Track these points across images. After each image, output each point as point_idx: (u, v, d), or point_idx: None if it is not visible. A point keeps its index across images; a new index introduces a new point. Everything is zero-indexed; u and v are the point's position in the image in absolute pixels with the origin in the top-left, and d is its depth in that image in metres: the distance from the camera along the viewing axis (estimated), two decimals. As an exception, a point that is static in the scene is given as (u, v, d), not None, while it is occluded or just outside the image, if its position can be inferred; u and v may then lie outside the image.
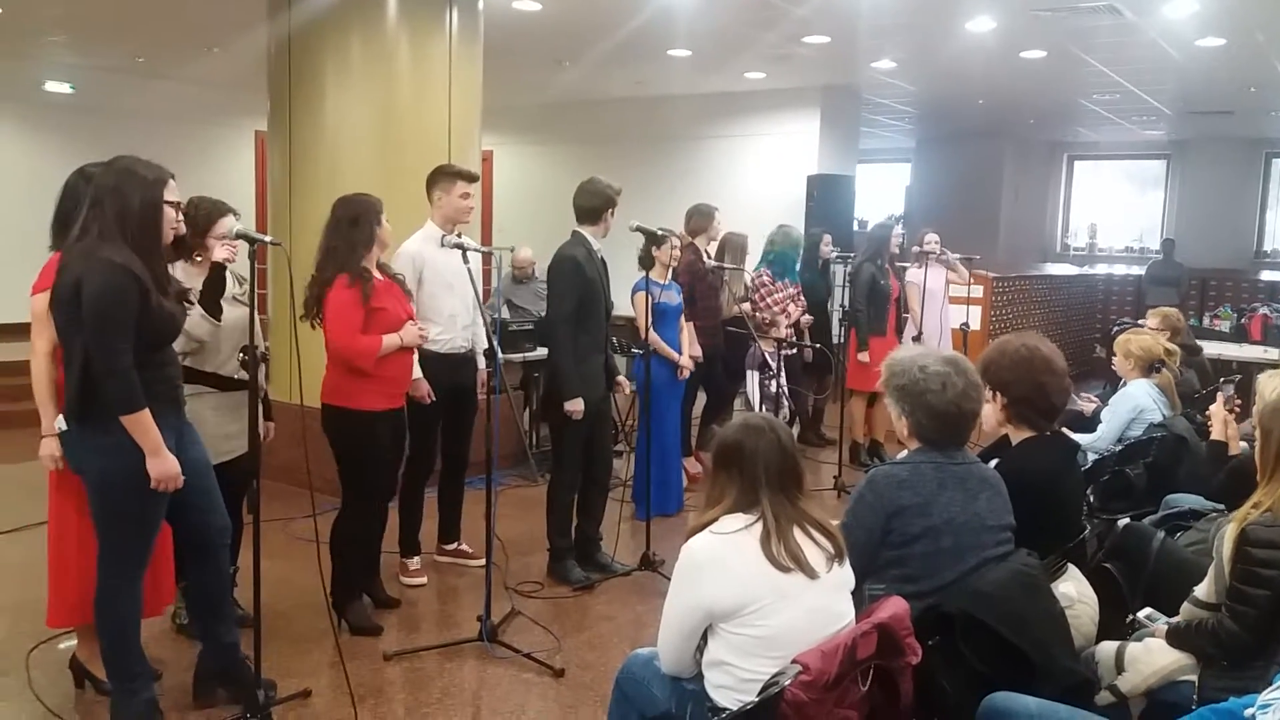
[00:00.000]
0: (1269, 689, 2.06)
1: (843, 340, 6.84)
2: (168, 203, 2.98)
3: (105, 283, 2.79)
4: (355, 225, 3.91)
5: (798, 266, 7.13)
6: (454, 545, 4.92)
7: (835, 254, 7.62)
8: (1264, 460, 2.71)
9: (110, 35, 8.54)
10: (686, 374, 5.75)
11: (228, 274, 3.74)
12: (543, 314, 7.88)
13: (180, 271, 3.74)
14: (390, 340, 3.94)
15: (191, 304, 3.34)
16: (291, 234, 5.95)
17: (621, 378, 4.95)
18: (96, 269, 2.80)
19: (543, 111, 11.89)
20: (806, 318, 7.22)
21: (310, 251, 5.72)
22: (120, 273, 2.80)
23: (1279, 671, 2.25)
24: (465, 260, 3.99)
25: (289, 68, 6.13)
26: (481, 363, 4.72)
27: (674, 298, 5.70)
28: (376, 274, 4.00)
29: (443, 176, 4.55)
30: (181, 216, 3.11)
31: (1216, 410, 4.04)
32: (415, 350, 4.14)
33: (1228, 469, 3.68)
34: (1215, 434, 4.00)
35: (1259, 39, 7.59)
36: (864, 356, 6.77)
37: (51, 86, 10.29)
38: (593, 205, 4.62)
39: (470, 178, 4.58)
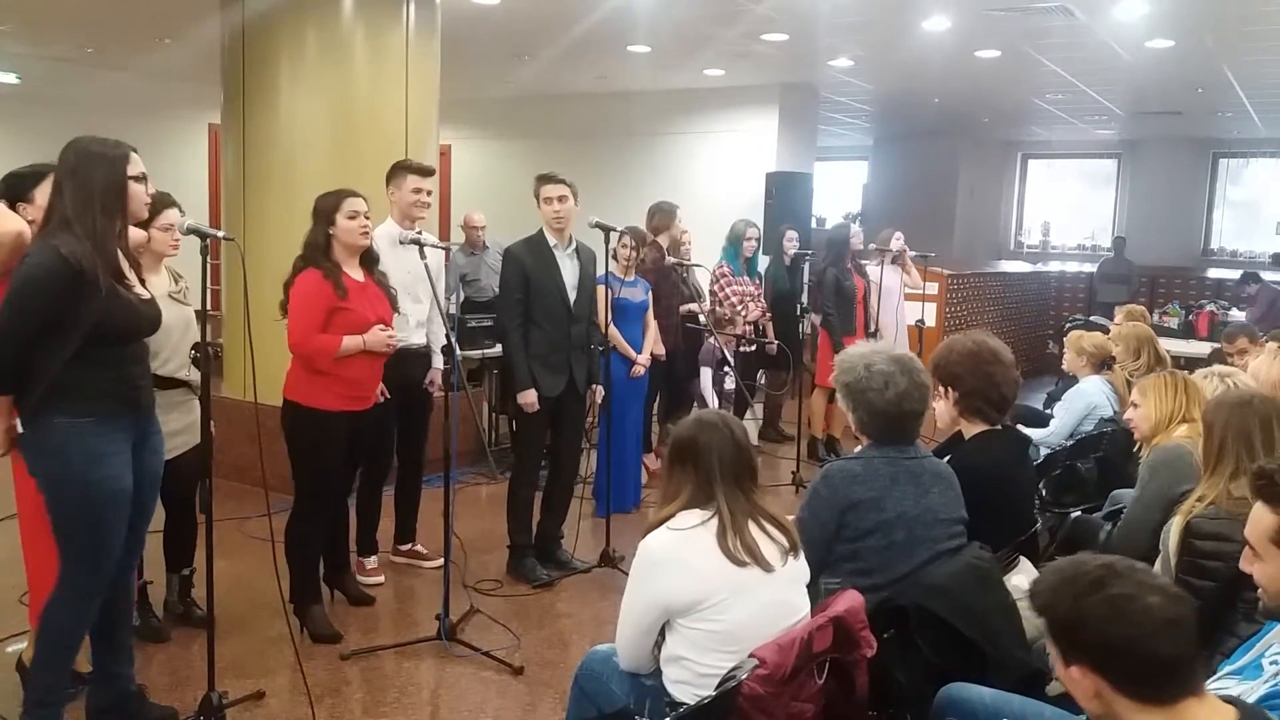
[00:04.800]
0: (1212, 678, 2.11)
1: (804, 338, 6.89)
2: (132, 178, 2.85)
3: (36, 266, 2.69)
4: (313, 225, 3.87)
5: (736, 261, 7.10)
6: (409, 546, 4.88)
7: (795, 250, 7.62)
8: (1207, 454, 2.78)
9: (58, 24, 8.35)
10: (640, 371, 5.66)
11: (163, 271, 3.66)
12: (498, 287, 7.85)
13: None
14: (351, 342, 3.83)
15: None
16: (245, 229, 5.88)
17: (597, 385, 4.88)
18: (38, 253, 2.72)
19: (502, 105, 11.83)
20: (765, 315, 7.24)
21: (264, 246, 5.65)
22: (58, 263, 2.67)
23: (1222, 661, 2.30)
24: (423, 256, 3.96)
25: (243, 60, 6.04)
26: (438, 360, 4.68)
27: (637, 294, 5.69)
28: (355, 274, 3.93)
29: (395, 171, 4.51)
30: (149, 191, 2.97)
31: None
32: (385, 355, 4.01)
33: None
34: None
35: (1207, 41, 7.75)
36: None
37: (-4, 76, 10.06)
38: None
39: (422, 171, 4.51)
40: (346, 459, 4.07)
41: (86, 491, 2.82)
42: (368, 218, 3.94)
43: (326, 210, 3.87)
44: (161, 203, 3.57)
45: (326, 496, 4.01)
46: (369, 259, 4.01)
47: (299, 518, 3.98)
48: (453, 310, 6.76)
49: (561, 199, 4.56)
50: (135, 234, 3.26)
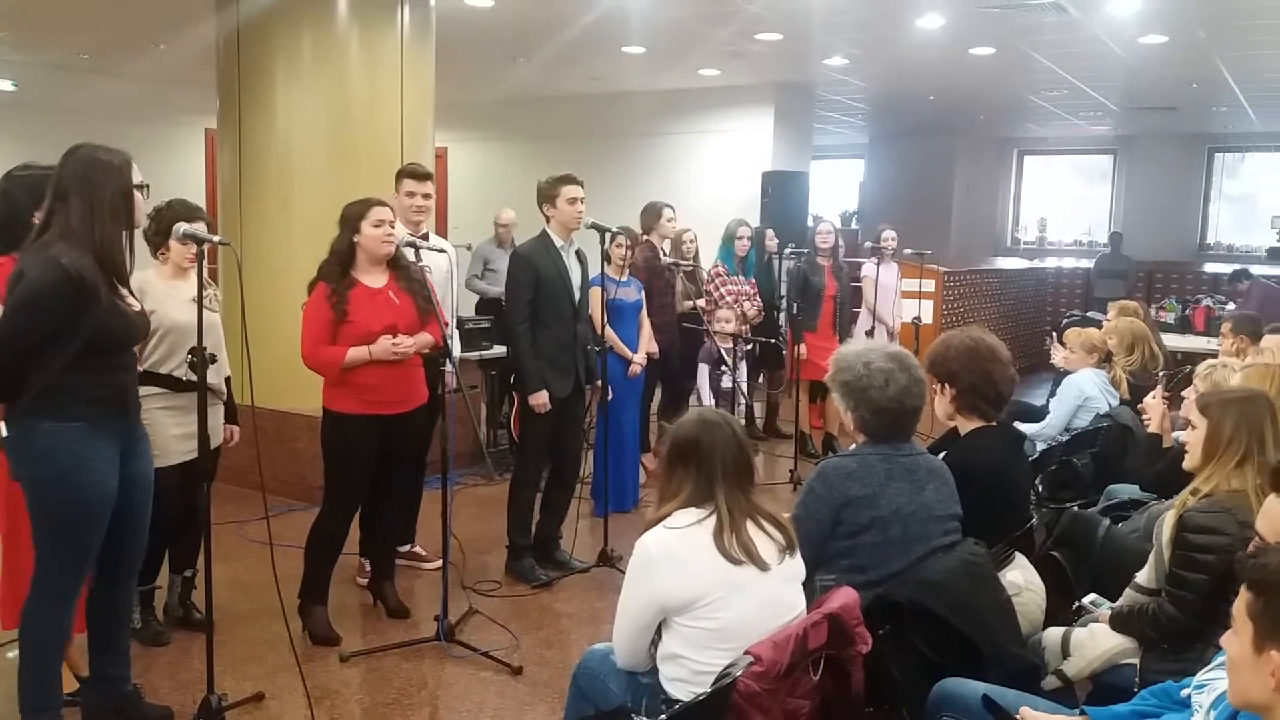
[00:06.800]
0: (1205, 669, 2.12)
1: (782, 335, 6.99)
2: (135, 186, 2.86)
3: (42, 282, 2.67)
4: (339, 233, 3.89)
5: (731, 261, 7.12)
6: (408, 547, 4.87)
7: (788, 250, 7.62)
8: (1209, 448, 2.77)
9: (54, 31, 8.36)
10: (637, 370, 5.68)
11: (190, 277, 3.69)
12: None
13: (153, 271, 3.74)
14: (357, 353, 3.82)
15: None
16: (242, 233, 5.89)
17: (597, 383, 4.90)
18: (40, 264, 2.69)
19: (498, 107, 11.83)
20: (760, 314, 7.25)
21: (261, 250, 5.63)
22: (62, 275, 2.66)
23: (1216, 653, 2.32)
24: (418, 259, 3.96)
25: (238, 64, 6.05)
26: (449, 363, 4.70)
27: (631, 294, 5.69)
28: (375, 281, 3.91)
29: (396, 177, 4.54)
30: (147, 197, 2.98)
31: (1155, 404, 4.10)
32: (400, 361, 3.94)
33: (1170, 458, 3.75)
34: (1152, 427, 4.07)
35: (1200, 36, 7.76)
36: (802, 349, 6.90)
37: (-8, 84, 10.07)
38: (537, 202, 4.64)
39: (414, 175, 4.50)
40: (382, 461, 4.02)
41: (73, 494, 2.81)
42: (393, 226, 3.93)
43: (353, 217, 3.87)
44: (186, 212, 3.62)
45: (348, 498, 4.02)
46: (396, 263, 3.99)
47: (320, 518, 4.03)
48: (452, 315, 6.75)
49: (583, 200, 4.61)
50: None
